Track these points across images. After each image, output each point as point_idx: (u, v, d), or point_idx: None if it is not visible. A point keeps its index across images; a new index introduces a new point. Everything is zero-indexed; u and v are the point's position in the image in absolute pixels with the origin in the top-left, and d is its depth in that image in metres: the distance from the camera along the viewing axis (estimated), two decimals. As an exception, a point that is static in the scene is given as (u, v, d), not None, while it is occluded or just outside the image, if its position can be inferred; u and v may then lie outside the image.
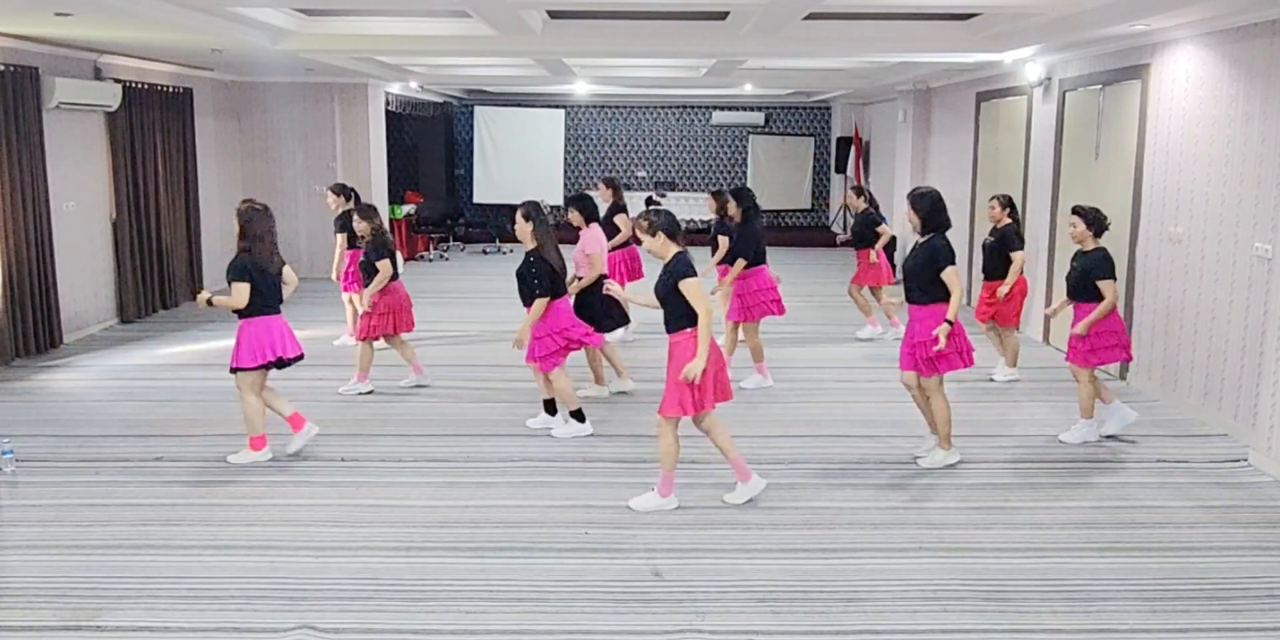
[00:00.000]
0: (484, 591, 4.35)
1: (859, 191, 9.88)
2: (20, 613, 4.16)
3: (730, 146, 19.10)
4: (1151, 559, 4.72)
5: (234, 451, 6.04)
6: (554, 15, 8.59)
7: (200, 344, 9.25)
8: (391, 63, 11.81)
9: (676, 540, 4.89)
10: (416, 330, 7.81)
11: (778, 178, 18.82)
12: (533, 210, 6.42)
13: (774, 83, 14.39)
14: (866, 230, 9.54)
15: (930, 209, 5.76)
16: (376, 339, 7.54)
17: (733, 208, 7.90)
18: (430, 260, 15.76)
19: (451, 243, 17.20)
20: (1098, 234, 6.26)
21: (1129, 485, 5.69)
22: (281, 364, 5.89)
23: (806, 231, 18.66)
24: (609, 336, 7.66)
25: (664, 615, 4.15)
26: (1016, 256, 7.70)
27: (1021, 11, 7.74)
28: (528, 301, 6.39)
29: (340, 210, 8.91)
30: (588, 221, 7.49)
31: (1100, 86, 8.47)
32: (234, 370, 5.85)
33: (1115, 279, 6.18)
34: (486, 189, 18.55)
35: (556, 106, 18.53)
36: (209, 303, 5.83)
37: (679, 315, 5.09)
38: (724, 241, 7.98)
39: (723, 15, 8.37)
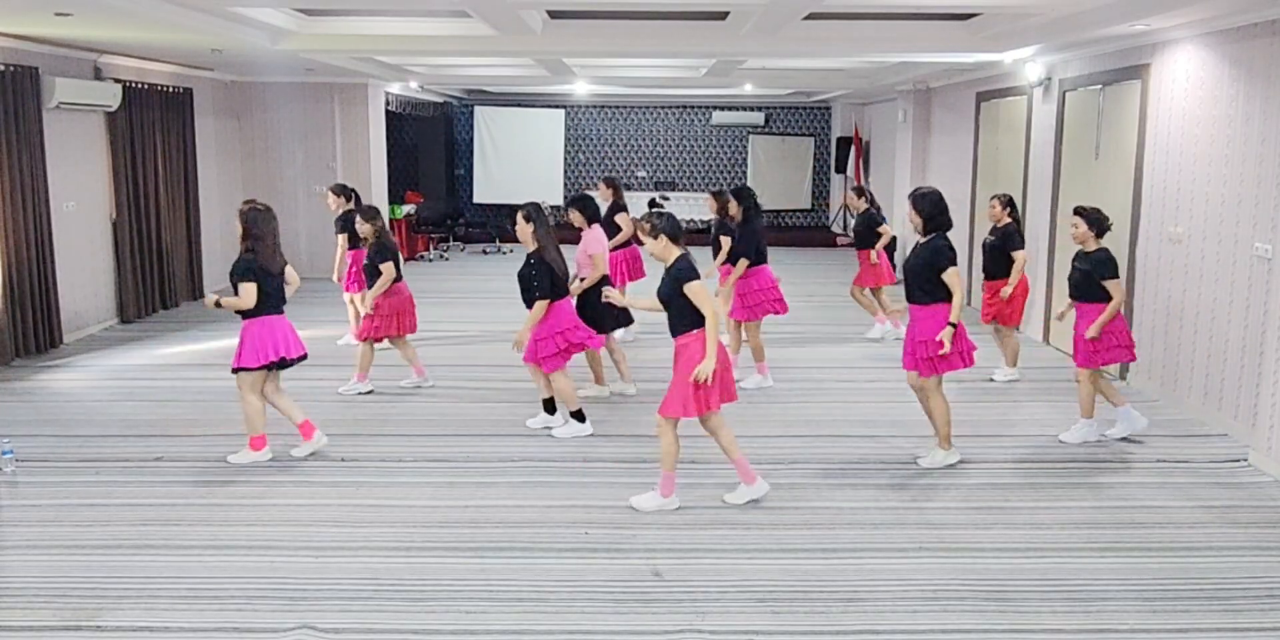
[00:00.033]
0: (484, 591, 4.35)
1: (860, 192, 9.85)
2: (20, 613, 4.16)
3: (730, 146, 19.10)
4: (1151, 559, 4.72)
5: (234, 451, 6.05)
6: (554, 15, 8.59)
7: (200, 344, 9.25)
8: (391, 63, 11.81)
9: (677, 540, 4.89)
10: (417, 330, 7.82)
11: (778, 178, 18.81)
12: (534, 212, 6.42)
13: (774, 83, 14.38)
14: (867, 231, 9.51)
15: (932, 209, 5.76)
16: (379, 341, 7.54)
17: (733, 207, 7.89)
18: (430, 260, 15.76)
19: (451, 243, 17.19)
20: (1099, 235, 6.25)
21: (1129, 485, 5.69)
22: (284, 364, 5.90)
23: (806, 231, 18.66)
24: (615, 335, 7.65)
25: (664, 615, 4.15)
26: (1018, 256, 7.69)
27: (1021, 11, 7.74)
28: (529, 303, 6.39)
29: (341, 211, 8.90)
30: (589, 222, 7.48)
31: (1100, 86, 8.46)
32: (236, 370, 5.84)
33: (1120, 278, 6.18)
34: (486, 189, 18.55)
35: (556, 106, 18.52)
36: (217, 305, 5.84)
37: (684, 318, 5.08)
38: (726, 242, 7.96)
39: (723, 15, 8.37)
